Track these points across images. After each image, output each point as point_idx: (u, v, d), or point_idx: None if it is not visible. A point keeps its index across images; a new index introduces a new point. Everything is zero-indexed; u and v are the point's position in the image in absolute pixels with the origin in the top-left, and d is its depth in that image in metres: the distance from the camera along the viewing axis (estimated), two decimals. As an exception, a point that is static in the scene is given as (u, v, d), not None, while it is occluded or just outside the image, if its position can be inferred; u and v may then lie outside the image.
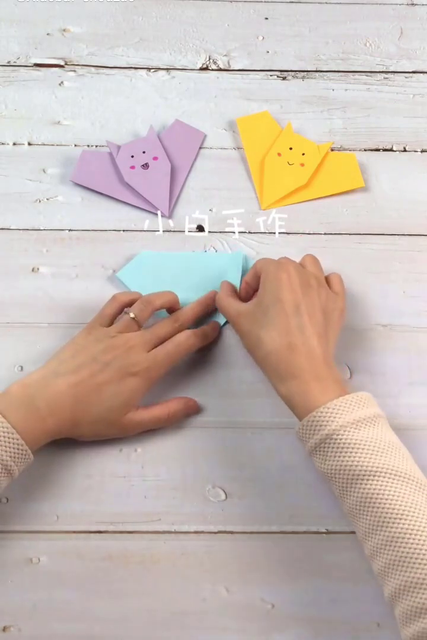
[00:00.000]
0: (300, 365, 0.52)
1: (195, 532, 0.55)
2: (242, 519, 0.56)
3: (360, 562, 0.54)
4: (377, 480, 0.47)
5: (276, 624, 0.53)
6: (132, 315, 0.58)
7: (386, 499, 0.46)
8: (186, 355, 0.59)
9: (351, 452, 0.48)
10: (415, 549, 0.45)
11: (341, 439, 0.49)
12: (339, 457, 0.48)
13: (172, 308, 0.61)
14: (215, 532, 0.55)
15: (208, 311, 0.62)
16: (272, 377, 0.54)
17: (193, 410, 0.59)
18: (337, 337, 0.58)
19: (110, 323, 0.58)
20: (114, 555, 0.54)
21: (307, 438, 0.51)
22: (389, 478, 0.47)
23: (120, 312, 0.59)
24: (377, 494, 0.47)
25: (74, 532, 0.55)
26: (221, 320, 0.62)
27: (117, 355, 0.55)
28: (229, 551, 0.55)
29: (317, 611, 0.53)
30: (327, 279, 0.61)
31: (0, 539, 0.54)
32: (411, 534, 0.45)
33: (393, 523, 0.46)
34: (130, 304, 0.59)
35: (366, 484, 0.47)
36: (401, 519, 0.45)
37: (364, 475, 0.47)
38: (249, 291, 0.61)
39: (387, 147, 0.72)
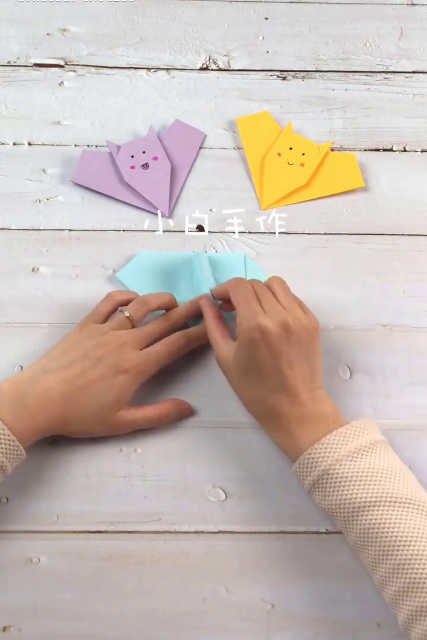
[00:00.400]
0: (287, 414, 0.52)
1: (195, 532, 0.55)
2: (242, 519, 0.56)
3: (360, 562, 0.54)
4: (378, 510, 0.47)
5: (276, 624, 0.53)
6: (127, 314, 0.58)
7: (389, 528, 0.46)
8: (178, 355, 0.59)
9: (348, 486, 0.48)
10: (422, 573, 0.45)
11: (337, 474, 0.48)
12: (337, 492, 0.48)
13: (168, 309, 0.60)
14: (215, 532, 0.55)
15: (197, 315, 0.61)
16: (263, 426, 0.55)
17: (186, 413, 0.58)
18: (320, 358, 0.55)
19: (104, 321, 0.58)
20: (114, 555, 0.54)
21: (304, 477, 0.51)
22: (389, 506, 0.47)
23: (115, 310, 0.59)
24: (379, 523, 0.46)
25: (74, 532, 0.55)
26: None
27: (109, 352, 0.55)
28: (229, 551, 0.55)
29: (317, 611, 0.53)
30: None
31: (0, 539, 0.54)
32: (417, 560, 0.45)
33: (398, 550, 0.45)
34: (125, 303, 0.59)
35: (366, 516, 0.47)
36: (405, 545, 0.45)
37: (363, 507, 0.47)
38: (214, 306, 0.60)
39: (387, 147, 0.72)
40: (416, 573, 0.45)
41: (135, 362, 0.56)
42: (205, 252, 0.66)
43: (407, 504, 0.47)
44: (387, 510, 0.46)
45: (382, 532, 0.46)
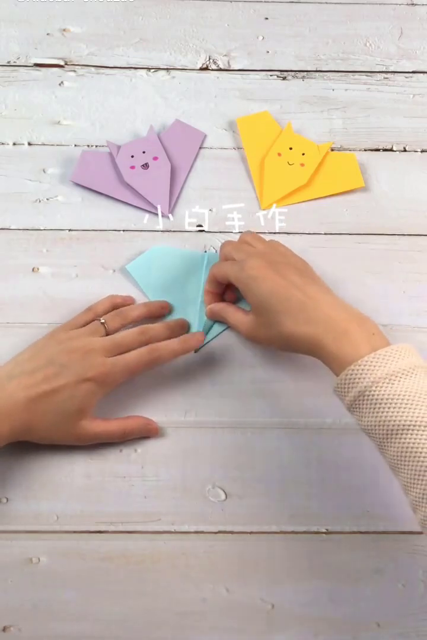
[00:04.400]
0: (325, 329, 0.52)
1: (196, 532, 0.55)
2: (242, 519, 0.56)
3: (360, 562, 0.54)
4: (413, 433, 0.47)
5: (276, 624, 0.53)
6: (102, 320, 0.58)
7: (422, 452, 0.46)
8: (148, 368, 0.57)
9: (384, 408, 0.48)
10: None
11: (374, 395, 0.48)
12: (374, 413, 0.48)
13: (152, 317, 0.61)
14: (215, 532, 0.55)
15: (177, 336, 0.60)
16: (313, 353, 0.53)
17: (152, 433, 0.57)
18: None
19: None
20: (114, 555, 0.54)
21: (344, 395, 0.50)
22: (424, 430, 0.46)
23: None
24: (414, 446, 0.46)
25: (74, 532, 0.55)
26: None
27: (75, 359, 0.54)
28: (229, 551, 0.55)
29: (317, 611, 0.53)
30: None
31: (0, 539, 0.55)
32: None
33: None
34: (104, 313, 0.60)
35: (401, 438, 0.47)
36: None
37: (399, 429, 0.47)
38: (216, 299, 0.61)
39: (387, 147, 0.72)
40: None
41: (101, 370, 0.54)
42: (211, 248, 0.66)
43: None
44: (421, 434, 0.46)
45: (416, 455, 0.46)
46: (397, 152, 0.72)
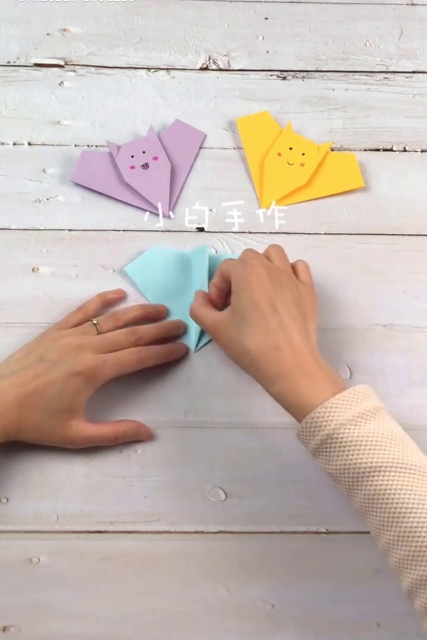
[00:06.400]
0: (288, 363, 0.51)
1: (196, 532, 0.55)
2: (242, 519, 0.56)
3: (360, 562, 0.54)
4: (384, 476, 0.46)
5: (276, 624, 0.53)
6: (94, 321, 0.58)
7: (394, 494, 0.45)
8: (139, 368, 0.58)
9: (354, 450, 0.47)
10: (426, 542, 0.44)
11: (342, 438, 0.48)
12: (342, 456, 0.48)
13: (148, 320, 0.61)
14: (215, 532, 0.55)
15: (170, 336, 0.60)
16: (262, 380, 0.53)
17: (144, 437, 0.57)
18: (316, 328, 0.56)
19: None
20: (114, 555, 0.54)
21: (308, 440, 0.50)
22: (395, 472, 0.46)
23: (86, 321, 0.59)
24: (385, 489, 0.46)
25: (74, 532, 0.55)
26: (190, 343, 0.61)
27: (65, 355, 0.54)
28: (229, 551, 0.55)
29: (317, 611, 0.53)
30: (293, 268, 0.60)
31: (0, 539, 0.54)
32: (422, 528, 0.44)
33: (404, 518, 0.45)
34: (95, 315, 0.60)
35: (372, 481, 0.46)
36: (411, 512, 0.45)
37: (369, 472, 0.47)
38: (221, 295, 0.60)
39: (387, 147, 0.72)
40: (421, 541, 0.44)
41: (90, 364, 0.54)
42: (211, 248, 0.66)
43: (411, 470, 0.46)
44: (393, 476, 0.46)
45: (387, 498, 0.46)
46: (397, 152, 0.72)
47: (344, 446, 0.48)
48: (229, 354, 0.55)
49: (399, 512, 0.45)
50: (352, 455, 0.47)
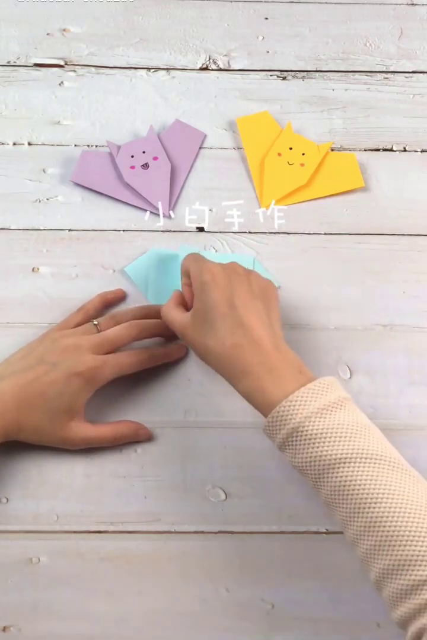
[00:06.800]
0: (251, 361, 0.50)
1: (196, 532, 0.55)
2: (242, 519, 0.56)
3: (360, 562, 0.54)
4: (349, 467, 0.46)
5: (276, 624, 0.53)
6: (95, 322, 0.58)
7: (360, 485, 0.45)
8: (140, 368, 0.58)
9: (319, 443, 0.47)
10: (394, 530, 0.44)
11: (307, 431, 0.47)
12: (308, 449, 0.47)
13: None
14: (215, 532, 0.55)
15: (170, 332, 0.59)
16: (228, 379, 0.52)
17: (143, 438, 0.57)
18: (280, 316, 0.55)
19: None
20: (114, 555, 0.54)
21: (274, 435, 0.49)
22: (360, 463, 0.46)
23: (86, 322, 0.59)
24: (351, 480, 0.46)
25: (74, 532, 0.55)
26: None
27: (65, 356, 0.54)
28: (229, 551, 0.55)
29: (317, 611, 0.53)
30: None
31: (0, 539, 0.55)
32: (389, 517, 0.44)
33: (370, 508, 0.45)
34: (96, 315, 0.60)
35: (338, 472, 0.46)
36: (377, 502, 0.45)
37: (335, 463, 0.46)
38: (190, 291, 0.58)
39: (387, 147, 0.72)
40: (388, 530, 0.44)
41: (90, 365, 0.54)
42: (211, 248, 0.66)
43: (378, 460, 0.46)
44: (359, 467, 0.46)
45: (354, 489, 0.45)
46: (397, 152, 0.72)
47: (310, 438, 0.47)
48: (197, 354, 0.55)
49: (365, 503, 0.45)
50: (318, 447, 0.47)
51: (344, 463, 0.46)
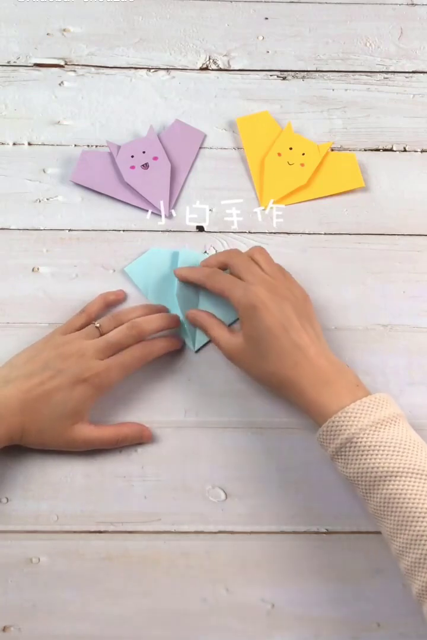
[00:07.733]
0: (309, 377, 0.53)
1: (195, 532, 0.55)
2: (242, 519, 0.56)
3: (360, 562, 0.54)
4: (399, 481, 0.47)
5: (276, 624, 0.53)
6: (96, 324, 0.58)
7: (409, 499, 0.46)
8: (142, 364, 0.58)
9: (371, 455, 0.48)
10: None
11: (361, 442, 0.49)
12: (360, 460, 0.49)
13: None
14: (215, 532, 0.55)
15: (170, 328, 0.61)
16: (288, 397, 0.55)
17: (145, 439, 0.57)
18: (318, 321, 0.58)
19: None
20: (114, 555, 0.54)
21: (328, 443, 0.51)
22: (411, 478, 0.47)
23: (88, 324, 0.59)
24: (400, 494, 0.47)
25: (74, 532, 0.55)
26: (190, 343, 0.61)
27: (70, 362, 0.55)
28: (229, 551, 0.55)
29: (317, 611, 0.53)
30: (256, 262, 0.59)
31: (0, 539, 0.55)
32: None
33: (417, 522, 0.46)
34: (98, 316, 0.60)
35: (388, 485, 0.47)
36: (424, 517, 0.46)
37: (386, 476, 0.47)
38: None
39: (387, 147, 0.72)
40: None
41: (95, 371, 0.55)
42: (211, 248, 0.66)
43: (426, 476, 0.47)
44: (409, 481, 0.47)
45: (401, 503, 0.47)
46: (397, 152, 0.72)
47: (362, 450, 0.49)
48: (252, 377, 0.57)
49: (412, 517, 0.46)
50: (370, 459, 0.48)
51: (394, 477, 0.47)
